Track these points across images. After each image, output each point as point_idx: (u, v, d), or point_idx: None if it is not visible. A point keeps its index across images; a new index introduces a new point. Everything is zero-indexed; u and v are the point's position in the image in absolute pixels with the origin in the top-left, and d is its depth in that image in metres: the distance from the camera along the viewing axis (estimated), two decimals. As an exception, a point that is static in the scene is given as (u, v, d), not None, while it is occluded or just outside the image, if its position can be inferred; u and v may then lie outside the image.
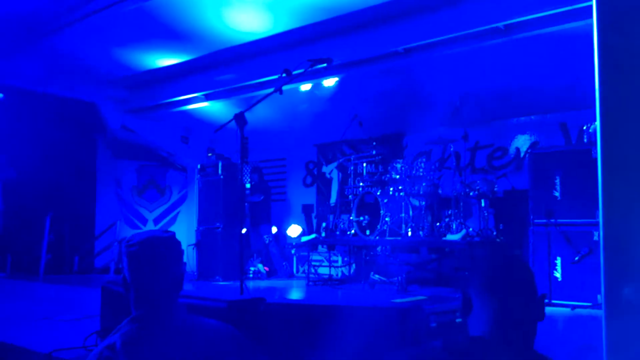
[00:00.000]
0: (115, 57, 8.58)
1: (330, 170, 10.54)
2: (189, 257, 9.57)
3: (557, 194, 6.17)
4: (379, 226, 7.50)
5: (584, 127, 6.47)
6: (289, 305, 3.13)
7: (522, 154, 8.19)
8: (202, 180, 9.45)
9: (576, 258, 5.87)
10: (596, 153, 1.71)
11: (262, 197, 9.69)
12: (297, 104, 9.12)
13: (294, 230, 10.30)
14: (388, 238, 7.45)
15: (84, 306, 6.07)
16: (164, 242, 2.09)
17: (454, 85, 7.39)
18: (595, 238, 5.74)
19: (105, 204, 11.15)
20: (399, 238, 7.37)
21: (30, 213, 9.80)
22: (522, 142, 8.27)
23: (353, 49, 7.54)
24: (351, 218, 8.04)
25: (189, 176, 11.78)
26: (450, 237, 6.97)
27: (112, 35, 7.78)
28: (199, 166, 9.62)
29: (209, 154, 9.63)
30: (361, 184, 8.36)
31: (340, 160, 9.74)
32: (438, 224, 7.36)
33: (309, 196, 10.91)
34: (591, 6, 1.76)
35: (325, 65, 5.90)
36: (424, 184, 7.54)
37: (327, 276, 8.67)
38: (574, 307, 5.78)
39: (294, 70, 5.37)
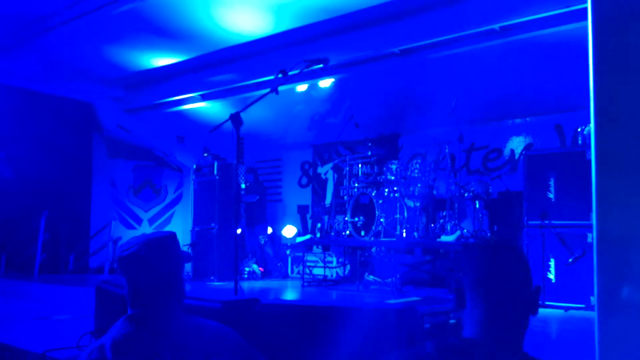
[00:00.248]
0: (111, 56, 8.57)
1: (326, 171, 10.55)
2: (184, 257, 9.52)
3: (551, 195, 6.19)
4: (373, 227, 7.50)
5: (579, 129, 6.50)
6: (283, 306, 3.13)
7: (517, 156, 8.21)
8: (197, 180, 9.44)
9: (570, 260, 5.89)
10: (591, 155, 1.72)
11: (257, 198, 9.69)
12: (293, 104, 9.13)
13: (289, 231, 10.30)
14: (383, 239, 7.46)
15: (78, 306, 6.06)
16: (162, 242, 2.08)
17: (450, 86, 7.40)
18: (589, 240, 5.76)
19: (101, 203, 11.13)
20: (394, 239, 7.37)
21: (25, 212, 9.77)
22: (517, 144, 8.29)
23: (349, 50, 7.55)
24: (346, 219, 8.05)
25: (184, 176, 11.77)
26: (444, 238, 6.98)
27: (108, 35, 7.77)
28: (194, 166, 9.62)
29: (205, 154, 9.62)
30: (356, 184, 8.37)
31: (336, 161, 9.75)
32: (433, 225, 7.37)
33: (304, 197, 10.91)
34: (586, 8, 1.77)
35: (321, 66, 5.92)
36: (419, 185, 7.56)
37: (321, 277, 8.68)
38: (567, 308, 5.80)
39: (290, 70, 5.38)
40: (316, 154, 10.81)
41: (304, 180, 11.02)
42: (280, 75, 5.11)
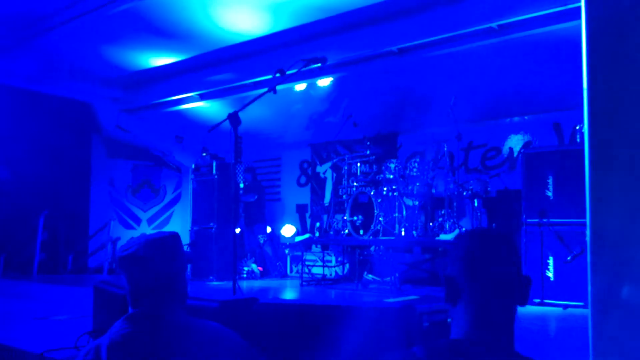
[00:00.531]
0: (110, 56, 8.57)
1: (325, 170, 10.55)
2: (183, 257, 9.52)
3: (549, 193, 6.19)
4: (372, 226, 7.50)
5: (577, 127, 6.50)
6: (281, 305, 3.12)
7: (515, 154, 8.22)
8: (196, 180, 9.44)
9: (569, 258, 5.89)
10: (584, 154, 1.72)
11: (255, 197, 9.69)
12: (291, 104, 9.13)
13: (287, 230, 10.30)
14: (382, 238, 7.46)
15: (77, 306, 6.06)
16: (162, 242, 2.07)
17: (448, 85, 7.40)
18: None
19: (100, 203, 11.13)
20: (393, 238, 7.37)
21: (24, 212, 9.78)
22: (515, 142, 8.30)
23: (347, 49, 7.55)
24: (345, 218, 8.05)
25: (183, 176, 11.77)
26: (443, 236, 6.99)
27: (107, 35, 7.77)
28: (193, 166, 9.61)
29: (203, 154, 9.62)
30: (355, 183, 8.36)
31: (335, 160, 9.75)
32: (431, 223, 7.37)
33: (303, 196, 10.91)
34: (584, 7, 1.77)
35: (319, 65, 5.91)
36: (417, 184, 7.56)
37: (320, 276, 8.68)
38: (566, 306, 5.80)
39: (288, 70, 5.37)
40: (315, 153, 10.81)
41: (303, 180, 11.03)
42: (278, 75, 5.10)
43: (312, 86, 8.54)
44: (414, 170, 7.58)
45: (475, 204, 7.19)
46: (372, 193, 7.65)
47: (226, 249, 8.58)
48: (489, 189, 7.26)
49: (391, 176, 7.62)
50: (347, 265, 8.81)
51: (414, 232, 7.39)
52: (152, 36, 7.75)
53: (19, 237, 9.86)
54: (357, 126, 8.42)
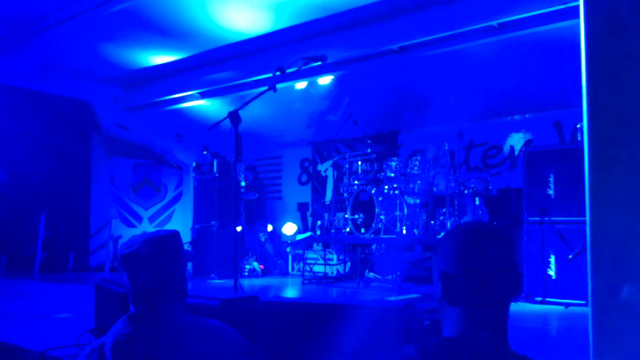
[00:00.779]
0: (109, 55, 8.56)
1: (326, 168, 10.55)
2: (185, 255, 9.53)
3: (551, 192, 6.19)
4: (373, 224, 7.50)
5: (578, 126, 6.49)
6: (283, 303, 3.12)
7: (516, 153, 8.21)
8: (197, 178, 9.45)
9: (570, 256, 5.89)
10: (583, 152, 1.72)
11: (257, 195, 9.70)
12: (292, 102, 9.13)
13: (289, 229, 10.30)
14: (383, 236, 7.46)
15: (78, 304, 6.07)
16: (163, 240, 2.07)
17: (449, 83, 7.39)
18: (589, 236, 5.76)
19: (100, 202, 11.13)
20: (394, 236, 7.38)
21: (25, 211, 9.79)
22: (516, 141, 8.29)
23: (348, 48, 7.54)
24: (346, 216, 8.05)
25: (184, 174, 11.78)
26: (444, 235, 6.98)
27: (106, 34, 7.76)
28: (193, 164, 9.62)
29: (204, 152, 9.62)
30: (356, 182, 8.36)
31: (336, 159, 9.75)
32: (433, 222, 7.37)
33: (304, 194, 10.91)
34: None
35: (319, 63, 5.89)
36: (418, 182, 7.55)
37: (322, 274, 8.69)
38: (567, 305, 5.80)
39: (288, 68, 5.37)
40: (316, 151, 10.81)
41: (304, 178, 11.03)
42: (278, 73, 5.10)
43: (312, 84, 8.53)
44: (415, 168, 7.58)
45: (477, 203, 7.19)
46: (373, 191, 7.64)
47: (227, 247, 8.59)
48: (490, 187, 7.26)
49: (392, 174, 7.62)
50: (349, 264, 8.81)
51: (415, 231, 7.39)
52: (152, 34, 7.75)
53: (20, 236, 9.87)
54: (358, 124, 8.42)
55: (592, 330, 1.67)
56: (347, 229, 8.04)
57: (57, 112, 9.93)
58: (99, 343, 1.89)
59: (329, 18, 7.10)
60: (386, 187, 7.67)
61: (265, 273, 9.47)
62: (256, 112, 8.12)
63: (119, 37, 7.92)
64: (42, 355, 3.73)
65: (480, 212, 7.16)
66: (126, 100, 10.47)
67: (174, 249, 2.08)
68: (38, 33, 7.81)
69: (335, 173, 10.00)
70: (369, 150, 8.27)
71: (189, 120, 10.54)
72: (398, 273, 7.36)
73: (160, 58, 8.67)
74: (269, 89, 5.10)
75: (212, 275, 8.77)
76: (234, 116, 4.85)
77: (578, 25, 1.77)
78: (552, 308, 5.82)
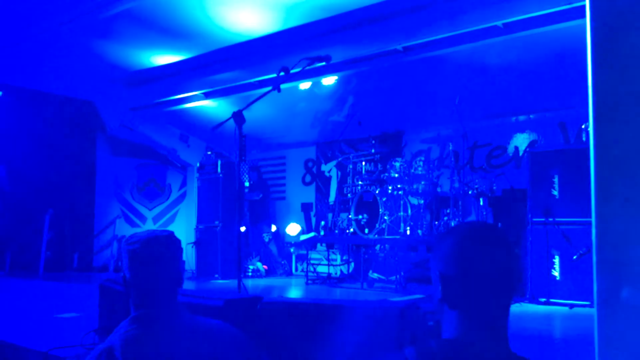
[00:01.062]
0: (114, 55, 8.57)
1: (330, 168, 10.54)
2: (188, 255, 9.58)
3: (555, 192, 6.17)
4: (377, 225, 7.50)
5: (583, 126, 6.48)
6: (286, 304, 3.12)
7: (520, 153, 8.19)
8: (201, 178, 9.46)
9: (575, 257, 5.87)
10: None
11: (260, 196, 9.71)
12: (296, 102, 9.12)
13: (293, 229, 10.30)
14: (387, 236, 7.45)
15: (82, 304, 6.07)
16: (165, 240, 2.08)
17: (453, 83, 7.38)
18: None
19: (105, 202, 11.15)
20: (398, 237, 7.37)
21: (30, 211, 9.82)
22: (520, 141, 8.27)
23: (352, 48, 7.53)
24: (350, 216, 8.05)
25: (188, 174, 11.79)
26: (448, 235, 6.96)
27: (111, 34, 7.77)
28: (198, 164, 9.63)
29: (208, 152, 9.63)
30: (360, 182, 8.36)
31: (340, 159, 9.75)
32: (437, 222, 7.36)
33: (308, 195, 10.91)
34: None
35: (324, 63, 5.89)
36: (422, 183, 7.55)
37: (325, 275, 8.68)
38: (572, 305, 5.78)
39: (292, 68, 5.36)
40: (320, 151, 10.80)
41: (308, 178, 11.02)
42: (282, 74, 5.10)
43: (317, 85, 8.53)
44: (419, 169, 7.57)
45: (481, 203, 7.18)
46: (377, 192, 7.64)
47: (231, 248, 8.59)
48: (494, 187, 7.25)
49: (396, 175, 7.61)
50: (352, 264, 8.81)
51: (419, 231, 7.39)
52: (156, 35, 7.75)
53: (25, 235, 9.90)
54: (362, 125, 8.41)
55: (597, 332, 1.66)
56: (351, 230, 8.04)
57: (62, 112, 9.96)
58: (107, 345, 1.90)
59: (333, 18, 7.09)
60: (390, 187, 7.66)
61: (269, 273, 9.48)
62: (260, 113, 8.12)
63: (124, 38, 7.92)
64: (45, 355, 3.74)
65: (484, 213, 7.15)
66: (131, 101, 10.47)
67: (173, 249, 2.10)
68: (41, 33, 7.82)
69: (339, 173, 9.99)
70: (373, 150, 8.27)
71: (193, 121, 10.55)
72: (402, 274, 7.35)
73: (164, 58, 8.67)
74: (273, 89, 5.10)
75: (216, 276, 8.77)
76: (238, 116, 4.85)
77: (584, 25, 1.76)
78: (557, 309, 5.81)
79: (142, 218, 11.53)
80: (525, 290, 6.20)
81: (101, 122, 10.64)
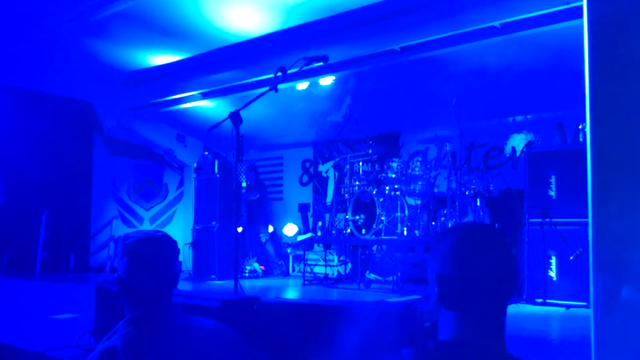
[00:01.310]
0: (111, 55, 8.55)
1: (327, 169, 10.54)
2: (185, 256, 9.57)
3: (552, 193, 6.18)
4: (374, 225, 7.50)
5: (580, 127, 6.48)
6: (283, 304, 3.11)
7: (517, 153, 8.19)
8: (198, 178, 9.44)
9: (571, 257, 5.88)
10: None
11: (257, 196, 9.70)
12: (294, 102, 9.11)
13: (290, 229, 10.29)
14: (384, 237, 7.45)
15: (79, 305, 6.06)
16: (159, 241, 2.07)
17: (451, 84, 7.38)
18: (591, 237, 5.74)
19: (102, 202, 11.13)
20: (395, 237, 7.37)
21: (26, 211, 9.78)
22: (518, 142, 8.27)
23: (349, 48, 7.52)
24: (347, 217, 8.04)
25: (185, 175, 11.77)
26: (446, 236, 6.96)
27: (108, 34, 7.75)
28: (195, 165, 9.61)
29: (205, 153, 9.61)
30: (357, 182, 8.35)
31: (337, 159, 9.74)
32: (434, 223, 7.36)
33: (305, 195, 10.90)
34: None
35: (321, 63, 5.88)
36: (420, 183, 7.54)
37: (322, 275, 8.67)
38: (568, 306, 5.78)
39: (290, 68, 5.35)
40: (317, 152, 10.80)
41: (305, 179, 11.01)
42: (279, 74, 5.09)
43: (314, 85, 8.52)
44: (416, 169, 7.57)
45: (478, 203, 7.18)
46: (374, 192, 7.64)
47: (228, 248, 8.59)
48: (491, 188, 7.25)
49: (393, 175, 7.61)
50: (349, 265, 8.80)
51: (416, 232, 7.38)
52: (153, 35, 7.73)
53: (21, 236, 9.86)
54: (359, 125, 8.41)
55: (593, 332, 1.66)
56: (348, 230, 8.04)
57: (59, 112, 9.93)
58: (107, 346, 1.89)
59: (331, 18, 7.08)
60: (387, 187, 7.66)
61: (265, 274, 9.46)
62: (258, 113, 8.12)
63: (121, 38, 7.91)
64: (42, 356, 3.72)
65: (481, 213, 7.15)
66: (128, 101, 10.45)
67: (169, 249, 2.09)
68: (38, 33, 7.80)
69: (337, 174, 9.99)
70: (370, 150, 8.27)
71: (190, 121, 10.54)
72: (399, 274, 7.35)
73: (161, 58, 8.66)
74: (270, 90, 5.09)
75: (213, 276, 8.76)
76: (235, 116, 4.84)
77: (581, 25, 1.76)
78: (553, 309, 5.81)
79: (139, 218, 11.51)
80: (522, 290, 6.20)
81: (98, 123, 10.62)
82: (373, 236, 7.54)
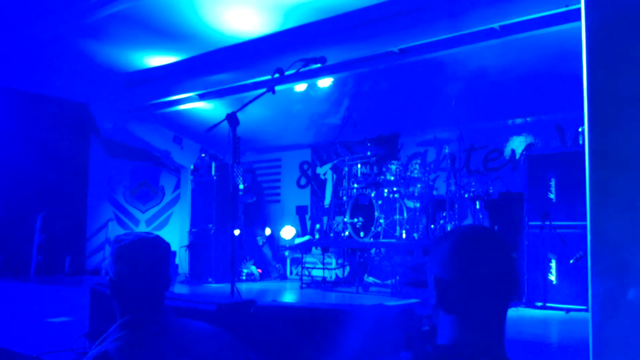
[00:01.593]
0: (108, 57, 8.52)
1: (325, 171, 10.50)
2: (182, 258, 9.52)
3: (552, 196, 6.15)
4: (373, 228, 7.46)
5: (580, 129, 6.46)
6: (280, 308, 3.08)
7: (517, 156, 8.17)
8: (195, 181, 9.41)
9: (571, 260, 5.84)
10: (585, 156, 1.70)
11: (255, 198, 9.66)
12: (292, 104, 9.09)
13: (287, 232, 10.25)
14: (382, 240, 7.41)
15: (74, 308, 6.01)
16: (151, 243, 2.04)
17: (450, 86, 7.36)
18: (591, 241, 5.72)
19: (97, 204, 11.08)
20: (394, 240, 7.33)
21: (21, 213, 9.74)
22: (517, 144, 8.25)
23: (348, 49, 7.50)
24: (345, 220, 8.00)
25: (182, 177, 11.73)
26: (444, 239, 6.93)
27: (104, 36, 7.73)
28: (192, 167, 9.57)
29: (202, 155, 9.57)
30: (355, 185, 8.31)
31: (335, 161, 9.70)
32: (433, 225, 7.32)
33: (303, 197, 10.86)
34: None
35: (319, 65, 5.86)
36: (418, 186, 7.51)
37: (320, 278, 8.62)
38: (568, 310, 5.75)
39: (287, 70, 5.32)
40: (315, 154, 10.77)
41: (303, 181, 10.98)
42: (276, 75, 5.06)
43: (312, 87, 8.49)
44: (415, 171, 7.55)
45: (477, 206, 7.15)
46: (372, 195, 7.60)
47: (225, 251, 8.55)
48: (490, 190, 7.22)
49: (392, 178, 7.58)
50: (348, 268, 8.76)
51: (415, 235, 7.35)
52: (150, 37, 7.71)
53: (16, 238, 9.81)
54: (358, 127, 8.38)
55: (592, 336, 1.64)
56: (346, 233, 8.00)
57: (55, 114, 9.91)
58: (99, 351, 1.86)
59: (329, 20, 7.06)
60: (386, 190, 7.62)
61: (263, 277, 9.41)
62: (255, 115, 8.08)
63: (117, 39, 7.88)
64: (35, 360, 3.68)
65: (480, 216, 7.12)
66: (124, 102, 10.41)
67: (162, 252, 2.06)
68: (35, 36, 7.77)
69: (335, 176, 9.95)
70: (368, 153, 8.23)
71: (187, 123, 10.51)
72: (397, 277, 7.31)
73: (158, 60, 8.64)
74: (267, 91, 5.07)
75: (210, 279, 8.71)
76: (232, 118, 4.82)
77: (579, 28, 1.75)
78: (553, 313, 5.78)
79: (135, 221, 11.46)
80: (522, 294, 6.17)
81: (94, 124, 10.59)
82: (371, 239, 7.50)
